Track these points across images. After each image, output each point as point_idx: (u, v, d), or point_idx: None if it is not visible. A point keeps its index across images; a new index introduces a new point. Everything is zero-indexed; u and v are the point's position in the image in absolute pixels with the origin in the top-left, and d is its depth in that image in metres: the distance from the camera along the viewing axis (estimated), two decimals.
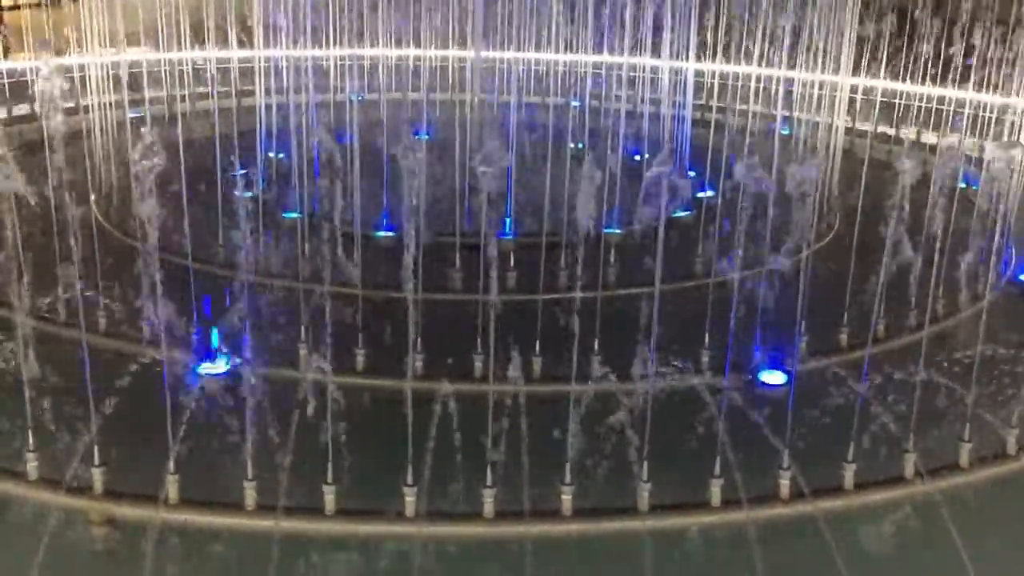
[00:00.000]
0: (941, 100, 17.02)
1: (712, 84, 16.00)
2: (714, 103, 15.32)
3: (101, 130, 12.74)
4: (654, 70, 14.61)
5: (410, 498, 6.47)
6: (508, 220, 11.10)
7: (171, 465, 6.48)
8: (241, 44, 15.42)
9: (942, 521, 6.51)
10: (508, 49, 15.55)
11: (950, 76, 17.03)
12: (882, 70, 17.43)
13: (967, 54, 16.45)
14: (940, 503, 6.76)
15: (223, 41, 15.51)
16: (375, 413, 7.60)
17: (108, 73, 13.02)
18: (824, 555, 6.30)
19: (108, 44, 13.57)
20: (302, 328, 8.41)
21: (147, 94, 12.87)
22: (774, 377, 8.45)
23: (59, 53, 14.44)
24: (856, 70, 15.92)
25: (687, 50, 13.96)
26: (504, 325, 6.90)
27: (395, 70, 15.53)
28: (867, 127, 16.90)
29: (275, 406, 6.79)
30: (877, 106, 17.31)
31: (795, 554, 6.57)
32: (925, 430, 7.20)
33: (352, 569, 6.34)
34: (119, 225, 11.28)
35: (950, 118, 16.11)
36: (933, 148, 14.72)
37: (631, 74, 14.30)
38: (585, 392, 6.94)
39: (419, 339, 7.71)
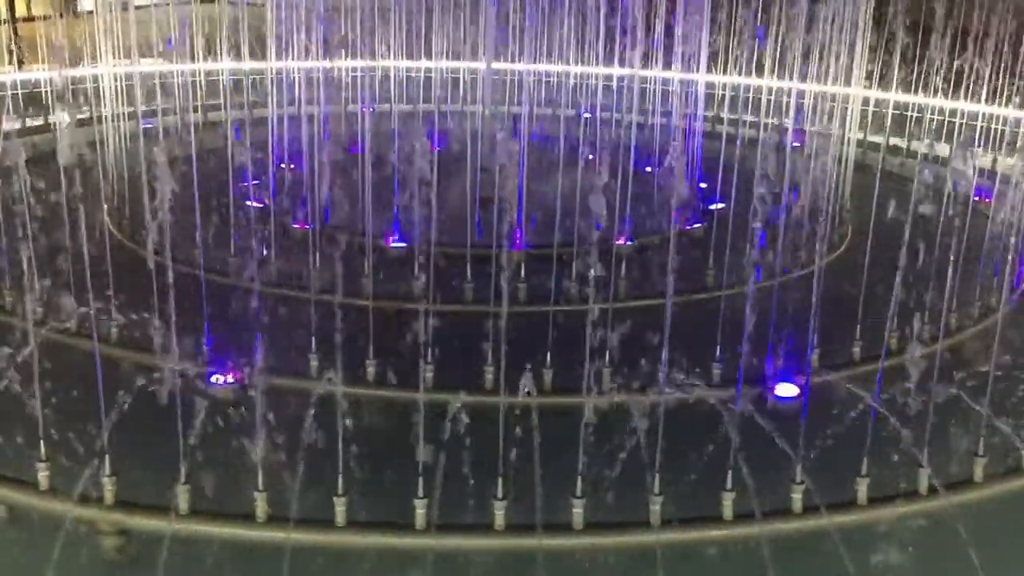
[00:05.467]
0: (953, 113, 16.97)
1: (723, 96, 16.01)
2: (725, 115, 15.32)
3: (114, 140, 12.79)
4: (665, 82, 14.62)
5: (421, 510, 6.45)
6: (519, 231, 11.09)
7: (182, 475, 6.48)
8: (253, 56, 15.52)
9: (957, 537, 6.44)
10: (519, 61, 15.58)
11: (963, 88, 16.98)
12: (894, 82, 17.39)
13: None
14: (955, 518, 6.69)
15: (236, 53, 15.60)
16: (387, 424, 7.58)
17: (122, 84, 13.08)
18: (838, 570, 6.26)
19: (122, 55, 13.64)
20: (312, 339, 8.41)
21: (160, 105, 12.91)
22: (787, 390, 8.41)
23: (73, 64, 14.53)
24: (869, 82, 15.89)
25: (698, 62, 13.95)
26: (515, 336, 6.89)
27: (406, 82, 15.59)
28: (879, 139, 16.86)
29: (286, 417, 6.78)
30: (889, 118, 17.28)
31: (808, 569, 6.52)
32: (938, 444, 7.14)
33: None
34: (131, 236, 11.33)
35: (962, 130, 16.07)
36: (945, 160, 14.67)
37: (642, 86, 14.29)
38: (596, 405, 6.90)
39: (431, 350, 7.69)
